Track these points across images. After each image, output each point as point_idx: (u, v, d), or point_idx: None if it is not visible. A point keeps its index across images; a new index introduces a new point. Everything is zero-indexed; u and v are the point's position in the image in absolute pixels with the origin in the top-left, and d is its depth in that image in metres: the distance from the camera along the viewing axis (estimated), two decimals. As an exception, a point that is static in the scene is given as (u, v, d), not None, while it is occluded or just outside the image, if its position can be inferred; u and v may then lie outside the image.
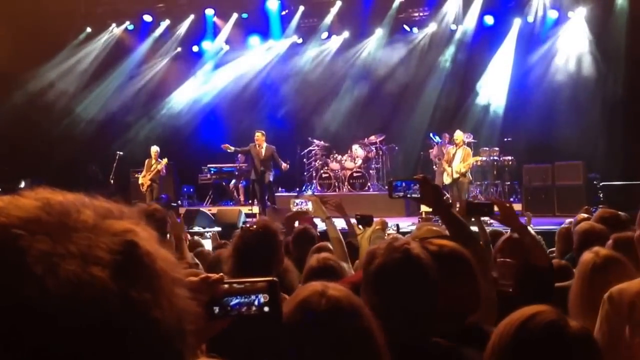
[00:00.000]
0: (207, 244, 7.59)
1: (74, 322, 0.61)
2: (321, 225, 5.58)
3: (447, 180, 12.39)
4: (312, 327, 1.51)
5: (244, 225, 3.39)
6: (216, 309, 1.38)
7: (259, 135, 13.03)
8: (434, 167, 14.42)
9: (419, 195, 2.86)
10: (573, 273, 3.69)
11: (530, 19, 15.04)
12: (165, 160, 13.59)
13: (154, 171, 13.50)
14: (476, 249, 2.78)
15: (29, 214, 0.66)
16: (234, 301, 1.38)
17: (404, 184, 2.96)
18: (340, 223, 4.93)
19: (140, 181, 13.79)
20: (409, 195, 2.96)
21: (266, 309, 1.36)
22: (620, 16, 13.90)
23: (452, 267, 2.17)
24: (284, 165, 13.08)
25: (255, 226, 3.11)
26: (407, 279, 1.91)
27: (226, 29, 17.09)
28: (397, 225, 7.94)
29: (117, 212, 0.73)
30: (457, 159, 12.32)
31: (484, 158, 13.54)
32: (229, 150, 13.38)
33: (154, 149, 13.75)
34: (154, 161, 13.61)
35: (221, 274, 1.42)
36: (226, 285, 1.39)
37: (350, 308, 1.55)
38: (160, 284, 0.70)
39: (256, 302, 1.36)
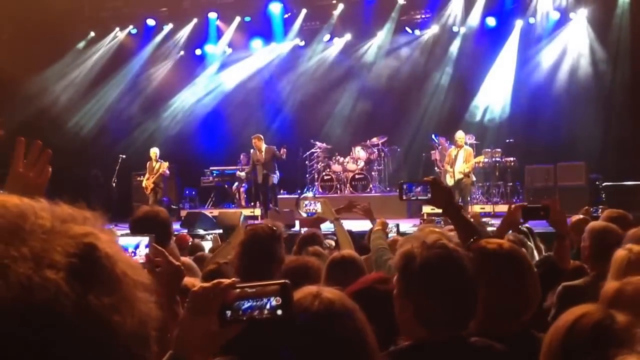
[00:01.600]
0: (209, 247, 7.62)
1: (23, 326, 0.59)
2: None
3: (449, 182, 12.29)
4: (306, 329, 1.51)
5: (247, 227, 3.42)
6: (228, 314, 1.39)
7: (255, 141, 13.07)
8: (436, 169, 14.39)
9: (429, 197, 2.86)
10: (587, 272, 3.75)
11: (532, 20, 15.02)
12: (166, 164, 13.65)
13: (157, 174, 13.57)
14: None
15: None
16: (246, 305, 1.38)
17: (414, 186, 2.99)
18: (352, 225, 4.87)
19: (144, 184, 13.84)
20: (419, 197, 3.01)
21: (279, 312, 1.36)
22: (623, 17, 13.86)
23: (511, 266, 2.18)
24: (282, 151, 13.05)
25: (259, 228, 3.16)
26: (450, 273, 1.92)
27: (229, 33, 17.13)
28: (397, 226, 7.88)
29: (79, 218, 0.71)
30: (459, 160, 12.25)
31: (486, 160, 13.50)
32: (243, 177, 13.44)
33: (153, 151, 13.82)
34: (155, 163, 13.67)
35: (233, 279, 1.43)
36: (238, 290, 1.40)
37: (343, 310, 1.55)
38: (121, 287, 0.67)
39: (268, 306, 1.36)
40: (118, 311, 0.65)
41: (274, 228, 3.14)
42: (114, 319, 0.65)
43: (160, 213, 3.57)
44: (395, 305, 1.98)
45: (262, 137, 13.24)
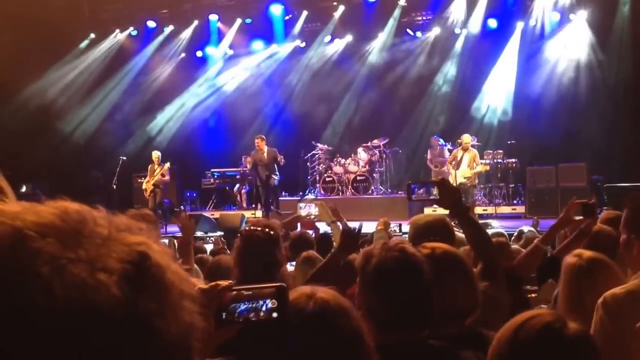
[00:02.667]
0: (210, 249, 7.61)
1: (75, 325, 0.62)
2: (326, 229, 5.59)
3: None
4: (301, 329, 1.51)
5: (245, 228, 3.39)
6: (224, 315, 1.39)
7: (258, 141, 13.08)
8: (431, 166, 14.41)
9: (437, 198, 2.87)
10: None
11: (533, 22, 15.01)
12: (167, 165, 13.65)
13: (157, 176, 13.57)
14: (492, 252, 2.82)
15: (44, 219, 0.68)
16: (242, 307, 1.38)
17: (422, 187, 3.00)
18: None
19: (143, 186, 13.84)
20: (427, 198, 3.02)
21: (274, 314, 1.35)
22: (624, 18, 13.86)
23: (446, 269, 2.18)
24: (280, 157, 13.07)
25: (257, 228, 3.09)
26: (405, 276, 1.93)
27: (230, 34, 17.15)
28: (400, 226, 7.87)
29: (134, 228, 0.74)
30: (464, 162, 12.29)
31: (489, 162, 13.52)
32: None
33: (155, 154, 13.82)
34: (156, 166, 13.67)
35: (230, 281, 1.44)
36: (234, 292, 1.40)
37: (338, 309, 1.55)
38: (168, 296, 0.70)
39: (264, 308, 1.36)
40: (164, 318, 0.68)
41: (271, 231, 3.06)
42: (159, 325, 0.67)
43: (146, 217, 3.57)
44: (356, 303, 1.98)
45: (264, 137, 13.25)
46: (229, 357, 1.64)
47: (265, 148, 13.07)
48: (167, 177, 13.75)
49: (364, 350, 1.54)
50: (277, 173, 13.22)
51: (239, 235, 3.18)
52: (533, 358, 1.59)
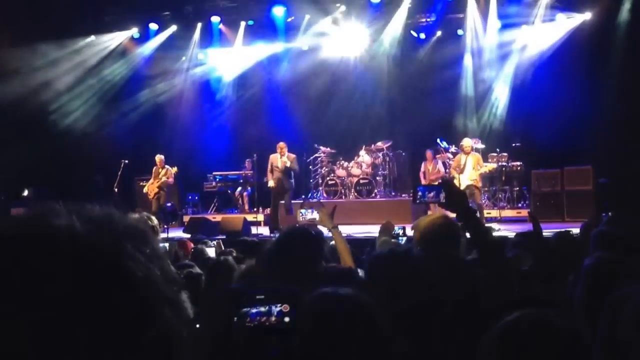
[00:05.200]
0: (211, 252, 7.51)
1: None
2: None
3: None
4: (322, 328, 1.48)
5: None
6: (235, 319, 1.39)
7: (282, 145, 12.81)
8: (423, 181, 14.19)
9: (443, 201, 2.85)
10: None
11: (536, 23, 14.92)
12: (175, 169, 13.63)
13: (161, 179, 13.53)
14: (500, 256, 2.80)
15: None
16: (253, 311, 1.38)
17: (428, 190, 3.00)
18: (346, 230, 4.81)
19: (145, 189, 13.78)
20: (432, 201, 3.00)
21: (286, 319, 1.36)
22: (625, 19, 13.77)
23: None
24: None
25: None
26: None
27: (232, 36, 17.09)
28: (404, 228, 7.77)
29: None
30: (468, 166, 12.15)
31: (494, 165, 13.42)
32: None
33: (159, 157, 13.77)
34: (160, 169, 13.64)
35: None
36: (247, 295, 1.40)
37: (360, 308, 1.54)
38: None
39: (275, 313, 1.36)
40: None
41: (311, 229, 3.09)
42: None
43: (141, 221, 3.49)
44: None
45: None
46: None
47: (286, 153, 12.77)
48: (171, 180, 13.72)
49: (385, 345, 1.54)
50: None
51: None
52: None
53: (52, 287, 0.67)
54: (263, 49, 17.18)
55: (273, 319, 1.36)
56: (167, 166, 13.71)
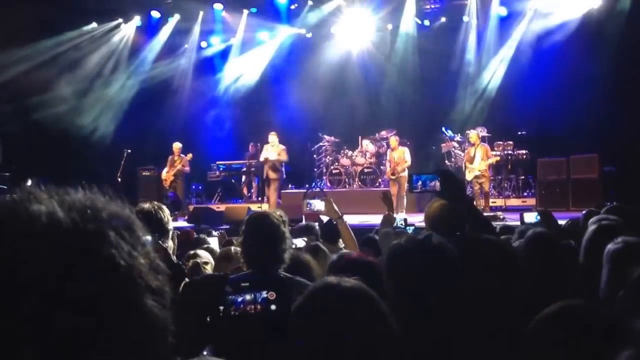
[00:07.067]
0: (214, 242, 7.47)
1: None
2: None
3: (468, 176, 12.52)
4: (325, 318, 1.49)
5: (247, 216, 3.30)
6: (221, 308, 1.44)
7: (271, 136, 13.28)
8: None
9: (439, 190, 2.81)
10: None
11: (543, 10, 14.74)
12: (189, 156, 13.71)
13: (177, 167, 13.59)
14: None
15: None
16: (239, 299, 1.42)
17: (424, 178, 2.96)
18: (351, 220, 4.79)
19: (163, 176, 13.88)
20: (429, 190, 2.96)
21: (272, 307, 1.39)
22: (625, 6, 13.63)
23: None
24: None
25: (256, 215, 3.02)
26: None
27: (235, 24, 16.96)
28: (405, 220, 7.71)
29: None
30: (477, 157, 12.44)
31: (499, 153, 13.38)
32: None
33: (177, 145, 13.90)
34: (176, 157, 13.68)
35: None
36: (232, 284, 1.46)
37: (363, 298, 1.54)
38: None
39: (260, 300, 1.39)
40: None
41: (270, 216, 2.99)
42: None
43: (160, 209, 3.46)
44: None
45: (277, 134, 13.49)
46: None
47: (277, 145, 13.17)
48: (187, 168, 13.79)
49: (390, 337, 1.53)
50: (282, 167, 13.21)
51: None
52: None
53: (28, 273, 0.65)
54: (266, 37, 17.08)
55: (259, 307, 1.37)
56: (182, 155, 13.74)
